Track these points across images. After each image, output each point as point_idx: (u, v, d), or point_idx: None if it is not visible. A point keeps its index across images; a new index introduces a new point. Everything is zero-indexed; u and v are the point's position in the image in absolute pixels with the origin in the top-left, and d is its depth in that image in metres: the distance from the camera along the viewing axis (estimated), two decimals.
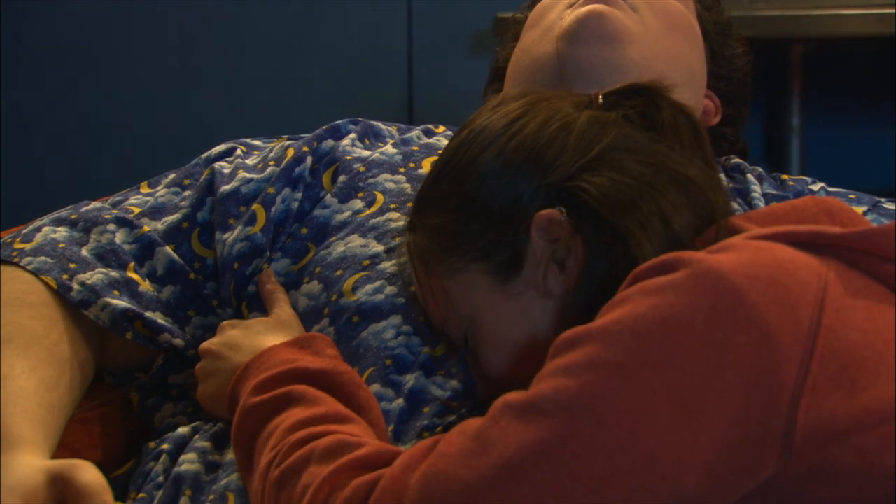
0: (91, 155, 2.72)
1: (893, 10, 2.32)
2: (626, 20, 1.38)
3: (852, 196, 1.47)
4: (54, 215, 1.39)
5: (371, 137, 1.46)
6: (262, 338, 1.23)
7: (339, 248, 1.31)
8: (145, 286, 1.34)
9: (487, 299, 1.17)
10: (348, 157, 1.40)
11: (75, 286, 1.30)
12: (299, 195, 1.37)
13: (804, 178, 1.52)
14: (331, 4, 2.68)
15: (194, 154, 1.46)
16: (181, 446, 1.26)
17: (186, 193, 1.40)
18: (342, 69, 2.66)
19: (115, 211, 1.39)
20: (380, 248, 1.30)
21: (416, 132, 1.48)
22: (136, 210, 1.39)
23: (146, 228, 1.36)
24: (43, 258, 1.31)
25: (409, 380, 1.21)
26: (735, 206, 1.38)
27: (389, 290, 1.26)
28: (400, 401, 1.20)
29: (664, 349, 0.98)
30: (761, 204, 1.42)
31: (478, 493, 0.98)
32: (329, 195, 1.37)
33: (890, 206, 1.46)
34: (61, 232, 1.36)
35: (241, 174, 1.39)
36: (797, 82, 2.62)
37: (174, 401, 1.37)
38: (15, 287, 1.29)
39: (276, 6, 2.69)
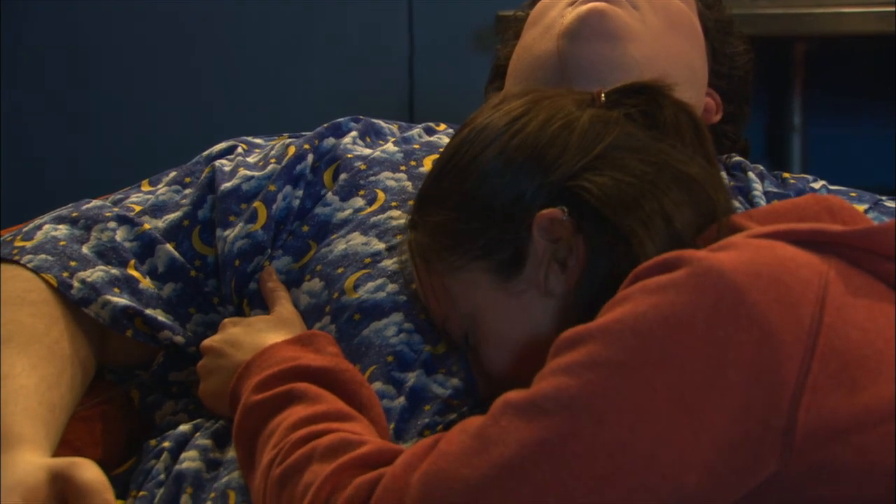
0: (91, 155, 2.72)
1: (895, 9, 2.32)
2: (627, 18, 1.38)
3: (853, 194, 1.47)
4: (55, 213, 1.39)
5: (372, 135, 1.46)
6: (263, 335, 1.23)
7: (340, 246, 1.31)
8: (146, 284, 1.34)
9: (489, 298, 1.17)
10: (349, 156, 1.40)
11: (76, 284, 1.30)
12: (300, 193, 1.37)
13: (805, 176, 1.51)
14: (331, 3, 2.68)
15: (195, 153, 1.46)
16: (182, 444, 1.26)
17: (187, 191, 1.40)
18: (343, 67, 2.66)
19: (115, 209, 1.39)
20: (381, 245, 1.30)
21: (417, 130, 1.48)
22: (137, 208, 1.39)
23: (147, 226, 1.36)
24: (43, 256, 1.31)
25: (411, 378, 1.21)
26: (736, 204, 1.38)
27: (391, 287, 1.26)
28: (401, 399, 1.20)
29: (665, 348, 0.98)
30: (763, 202, 1.42)
31: (479, 491, 0.98)
32: (330, 193, 1.37)
33: (891, 204, 1.46)
34: (62, 230, 1.35)
35: (242, 172, 1.38)
36: (798, 80, 2.62)
37: (175, 398, 1.37)
38: (15, 285, 1.29)
39: (276, 5, 2.69)
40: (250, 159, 1.42)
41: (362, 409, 1.14)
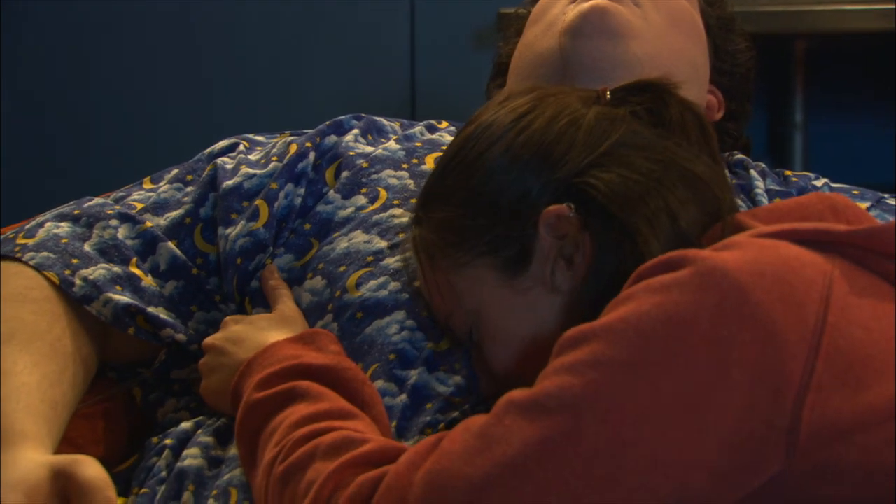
0: (92, 154, 2.72)
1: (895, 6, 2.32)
2: (629, 15, 1.38)
3: (856, 192, 1.47)
4: (57, 211, 1.39)
5: (374, 133, 1.46)
6: (265, 333, 1.23)
7: (342, 244, 1.31)
8: (147, 281, 1.33)
9: (494, 294, 1.17)
10: (351, 153, 1.39)
11: (77, 282, 1.30)
12: (302, 191, 1.37)
13: (807, 173, 1.51)
14: (333, 1, 2.68)
15: (197, 151, 1.46)
16: (184, 441, 1.26)
17: (189, 189, 1.40)
18: (345, 65, 2.66)
19: (117, 206, 1.39)
20: (383, 244, 1.30)
21: (418, 128, 1.48)
22: (139, 206, 1.39)
23: (149, 224, 1.36)
24: (45, 254, 1.31)
25: (413, 375, 1.21)
26: (738, 202, 1.38)
27: (393, 286, 1.26)
28: (403, 396, 1.20)
29: (668, 347, 0.98)
30: (764, 200, 1.42)
31: (481, 490, 0.98)
32: (332, 191, 1.37)
33: (893, 201, 1.46)
34: (64, 227, 1.35)
35: (244, 169, 1.38)
36: (800, 78, 2.62)
37: (177, 396, 1.37)
38: (17, 282, 1.29)
39: (278, 3, 2.68)
40: (252, 157, 1.42)
41: (364, 408, 1.14)
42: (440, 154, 1.38)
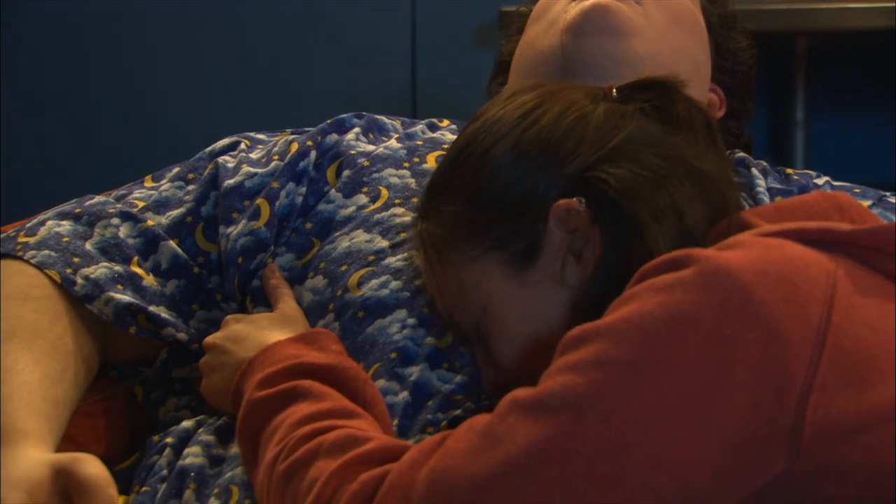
0: (92, 153, 2.72)
1: None
2: (631, 13, 1.38)
3: (857, 190, 1.47)
4: (58, 209, 1.39)
5: (375, 132, 1.46)
6: (266, 333, 1.23)
7: (343, 244, 1.31)
8: (149, 280, 1.33)
9: (502, 288, 1.16)
10: (352, 152, 1.39)
11: (79, 280, 1.30)
12: (303, 190, 1.37)
13: (809, 172, 1.51)
14: (334, 0, 2.68)
15: (198, 150, 1.46)
16: (185, 440, 1.26)
17: (190, 188, 1.40)
18: (346, 63, 2.66)
19: (119, 205, 1.39)
20: (385, 243, 1.30)
21: (420, 126, 1.48)
22: (140, 204, 1.39)
23: (150, 223, 1.36)
24: (47, 252, 1.31)
25: (414, 372, 1.21)
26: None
27: (394, 285, 1.26)
28: (405, 394, 1.20)
29: (672, 347, 0.98)
30: (766, 198, 1.42)
31: (484, 489, 0.97)
32: (333, 190, 1.37)
33: (894, 199, 1.46)
34: (65, 226, 1.35)
35: (245, 168, 1.38)
36: (801, 76, 2.62)
37: (178, 395, 1.37)
38: (19, 281, 1.29)
39: (279, 2, 2.68)
40: (253, 155, 1.42)
41: (366, 407, 1.14)
42: (442, 153, 1.38)
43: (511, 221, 1.15)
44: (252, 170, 1.38)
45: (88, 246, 1.34)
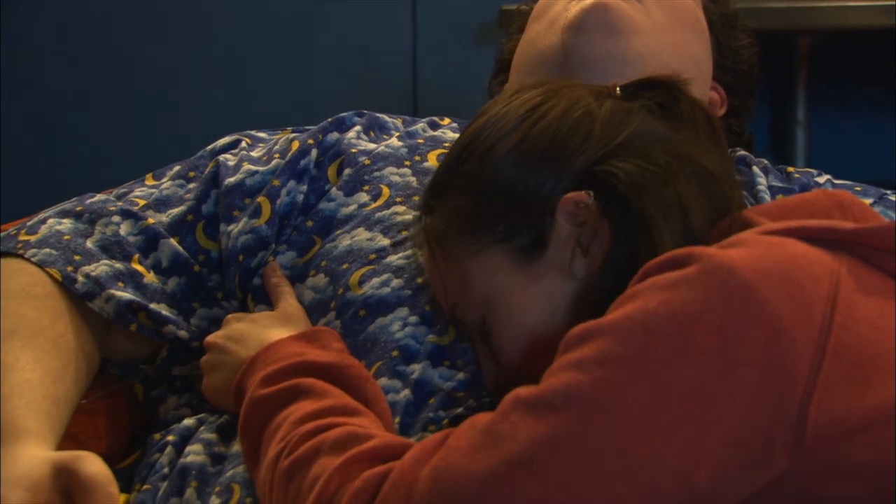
0: (93, 153, 2.72)
1: None
2: (632, 11, 1.38)
3: (858, 188, 1.46)
4: (59, 207, 1.39)
5: (376, 130, 1.46)
6: (268, 331, 1.23)
7: (344, 242, 1.31)
8: (150, 278, 1.34)
9: (508, 281, 1.16)
10: (353, 150, 1.39)
11: (80, 278, 1.30)
12: (304, 188, 1.37)
13: (810, 170, 1.51)
14: None
15: (199, 149, 1.46)
16: (186, 438, 1.26)
17: (191, 186, 1.40)
18: (347, 62, 2.66)
19: (119, 203, 1.39)
20: (386, 241, 1.30)
21: (421, 125, 1.48)
22: (141, 202, 1.39)
23: (151, 221, 1.36)
24: (48, 250, 1.31)
25: (416, 370, 1.21)
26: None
27: (396, 283, 1.26)
28: (407, 392, 1.20)
29: (675, 345, 0.98)
30: (767, 197, 1.42)
31: (487, 487, 0.97)
32: (334, 188, 1.37)
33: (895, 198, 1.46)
34: (66, 224, 1.35)
35: (246, 166, 1.38)
36: (803, 74, 2.62)
37: (178, 393, 1.37)
38: (20, 279, 1.29)
39: (280, 0, 2.68)
40: (254, 154, 1.42)
41: (368, 405, 1.14)
42: (443, 151, 1.38)
43: (517, 215, 1.15)
44: (253, 168, 1.38)
45: (89, 244, 1.34)
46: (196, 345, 1.33)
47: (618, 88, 1.20)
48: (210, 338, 1.27)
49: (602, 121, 1.16)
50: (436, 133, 1.46)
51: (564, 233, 1.15)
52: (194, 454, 1.22)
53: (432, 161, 1.39)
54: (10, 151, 2.70)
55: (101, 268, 1.31)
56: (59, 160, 2.73)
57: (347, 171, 1.38)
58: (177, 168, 1.44)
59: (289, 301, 1.29)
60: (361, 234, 1.31)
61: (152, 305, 1.32)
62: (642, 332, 0.98)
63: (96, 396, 1.34)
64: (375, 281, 1.26)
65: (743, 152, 1.52)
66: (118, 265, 1.32)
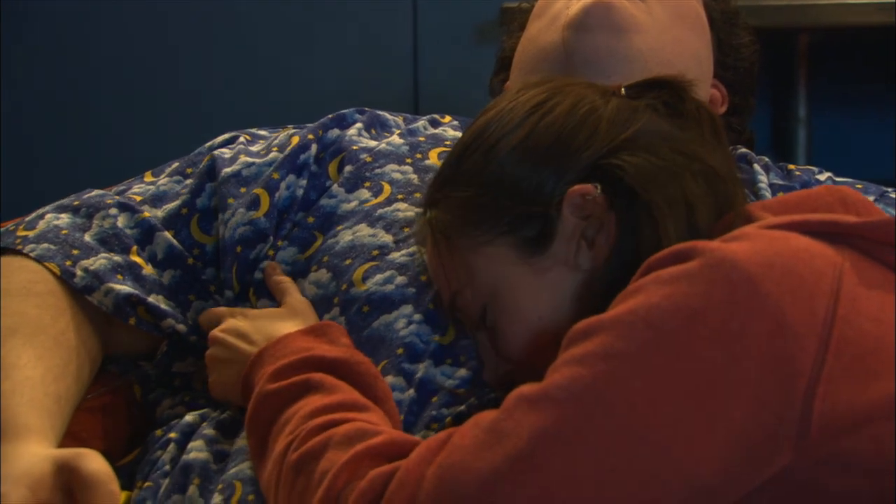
0: (93, 152, 2.72)
1: None
2: (633, 9, 1.38)
3: (859, 186, 1.46)
4: (57, 203, 1.39)
5: (377, 127, 1.46)
6: (275, 325, 1.23)
7: (346, 237, 1.31)
8: (148, 270, 1.33)
9: (512, 273, 1.16)
10: (354, 147, 1.39)
11: (78, 272, 1.30)
12: (304, 182, 1.37)
13: (811, 168, 1.51)
14: None
15: (198, 147, 1.46)
16: (188, 434, 1.25)
17: (188, 182, 1.40)
18: (347, 59, 2.66)
19: (116, 197, 1.39)
20: (388, 238, 1.30)
21: (421, 122, 1.48)
22: (139, 198, 1.39)
23: (146, 214, 1.36)
24: (46, 245, 1.31)
25: (420, 369, 1.21)
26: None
27: (399, 280, 1.26)
28: (411, 391, 1.20)
29: (678, 339, 0.98)
30: (768, 194, 1.42)
31: (491, 484, 0.97)
32: (336, 185, 1.37)
33: None
34: (64, 219, 1.35)
35: (243, 158, 1.39)
36: (803, 72, 2.62)
37: (176, 392, 1.36)
38: (21, 276, 1.29)
39: None
40: (253, 148, 1.42)
41: (377, 402, 1.14)
42: (444, 149, 1.38)
43: (524, 206, 1.16)
44: (250, 160, 1.38)
45: (87, 237, 1.34)
46: (194, 339, 1.33)
47: (623, 88, 1.21)
48: (215, 332, 1.27)
49: (608, 117, 1.16)
50: (437, 131, 1.46)
51: (570, 226, 1.15)
52: (196, 451, 1.22)
53: (433, 159, 1.39)
54: (11, 151, 2.70)
55: (99, 261, 1.31)
56: (59, 160, 2.73)
57: (348, 167, 1.38)
58: (175, 165, 1.44)
59: (294, 296, 1.29)
60: (363, 230, 1.31)
61: (151, 298, 1.32)
62: (646, 326, 0.98)
63: (97, 393, 1.34)
64: (379, 277, 1.27)
65: (744, 150, 1.52)
66: (116, 258, 1.32)
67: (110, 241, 1.34)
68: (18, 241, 1.32)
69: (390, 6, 2.65)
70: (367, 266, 1.27)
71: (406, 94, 2.64)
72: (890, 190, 1.47)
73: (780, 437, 0.97)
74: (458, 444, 1.00)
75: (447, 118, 1.50)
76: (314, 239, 1.33)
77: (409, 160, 1.38)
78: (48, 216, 1.36)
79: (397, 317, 1.24)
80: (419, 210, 1.30)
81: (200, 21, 2.70)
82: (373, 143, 1.41)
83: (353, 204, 1.34)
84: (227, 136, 1.46)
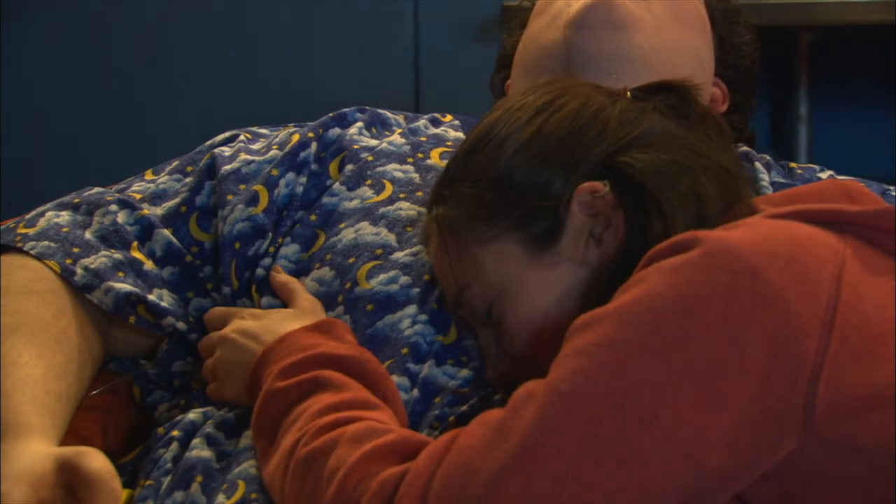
0: (92, 152, 2.72)
1: None
2: (634, 7, 1.38)
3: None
4: (57, 201, 1.39)
5: (378, 126, 1.46)
6: (286, 326, 1.22)
7: (349, 235, 1.31)
8: (149, 265, 1.33)
9: (520, 268, 1.16)
10: (356, 147, 1.39)
11: (79, 270, 1.30)
12: (304, 180, 1.37)
13: (812, 166, 1.51)
14: None
15: (199, 145, 1.46)
16: (191, 433, 1.25)
17: (188, 180, 1.40)
18: (348, 58, 2.66)
19: (117, 194, 1.39)
20: (391, 237, 1.30)
21: (422, 121, 1.48)
22: (139, 196, 1.39)
23: (146, 211, 1.36)
24: (46, 243, 1.31)
25: (424, 369, 1.21)
26: None
27: (404, 280, 1.26)
28: (415, 391, 1.20)
29: (683, 327, 0.98)
30: (769, 192, 1.42)
31: (499, 481, 0.97)
32: (337, 184, 1.37)
33: None
34: (64, 216, 1.35)
35: (243, 156, 1.39)
36: (804, 70, 2.62)
37: (175, 393, 1.36)
38: (22, 275, 1.29)
39: None
40: (253, 147, 1.42)
41: (387, 402, 1.14)
42: (445, 149, 1.39)
43: (533, 202, 1.16)
44: (250, 157, 1.38)
45: (88, 234, 1.34)
46: (194, 337, 1.33)
47: (628, 92, 1.21)
48: (224, 331, 1.27)
49: (618, 116, 1.17)
50: (438, 131, 1.46)
51: (579, 223, 1.15)
52: (199, 449, 1.22)
53: (435, 159, 1.39)
54: (11, 151, 2.70)
55: (99, 259, 1.31)
56: (60, 159, 2.73)
57: (350, 167, 1.38)
58: (175, 163, 1.44)
59: (303, 296, 1.28)
60: (366, 229, 1.31)
61: (154, 292, 1.32)
62: (649, 315, 0.99)
63: (99, 391, 1.34)
64: (383, 277, 1.27)
65: (745, 148, 1.52)
66: (117, 255, 1.32)
67: (111, 237, 1.34)
68: (19, 238, 1.32)
69: (391, 4, 2.65)
70: (370, 265, 1.28)
71: (407, 93, 2.64)
72: (891, 188, 1.47)
73: (786, 422, 0.97)
74: (465, 444, 1.00)
75: (448, 117, 1.50)
76: (316, 237, 1.33)
77: (410, 159, 1.38)
78: (49, 214, 1.36)
79: (402, 317, 1.24)
80: (422, 209, 1.30)
81: (201, 20, 2.70)
82: (374, 142, 1.41)
83: (355, 202, 1.34)
84: (227, 134, 1.46)
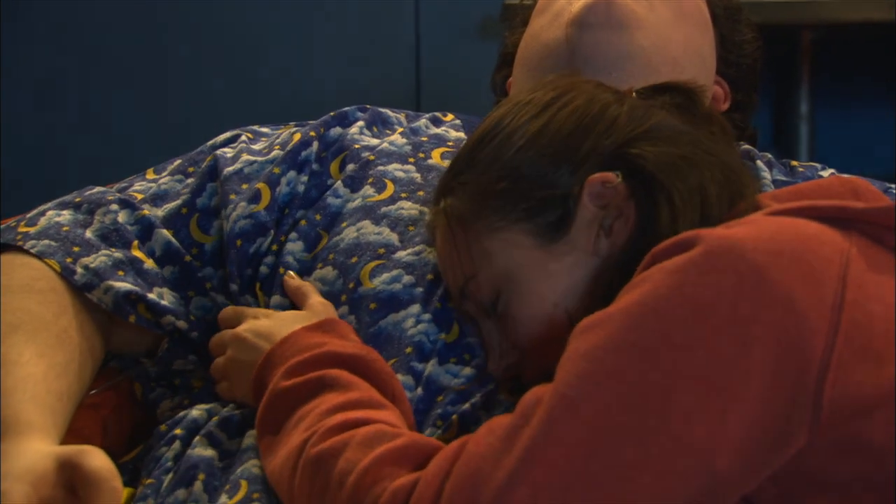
0: (92, 152, 2.72)
1: None
2: (635, 5, 1.38)
3: None
4: (58, 200, 1.39)
5: (379, 125, 1.46)
6: (298, 325, 1.22)
7: (351, 235, 1.31)
8: (150, 264, 1.33)
9: (529, 258, 1.16)
10: (357, 146, 1.39)
11: (79, 270, 1.30)
12: (305, 178, 1.37)
13: (814, 164, 1.51)
14: None
15: (200, 146, 1.46)
16: (194, 431, 1.25)
17: (189, 181, 1.40)
18: (349, 56, 2.66)
19: (118, 193, 1.39)
20: (394, 236, 1.30)
21: (423, 121, 1.48)
22: (140, 196, 1.39)
23: (146, 212, 1.36)
24: (47, 241, 1.31)
25: (427, 368, 1.21)
26: None
27: (407, 279, 1.26)
28: (419, 389, 1.20)
29: (689, 329, 0.98)
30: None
31: (509, 489, 0.97)
32: (340, 184, 1.37)
33: None
34: (65, 215, 1.35)
35: (245, 157, 1.39)
36: (806, 68, 2.62)
37: (176, 392, 1.36)
38: (23, 273, 1.28)
39: None
40: (255, 147, 1.42)
41: (395, 401, 1.14)
42: (446, 149, 1.39)
43: (543, 193, 1.16)
44: (252, 158, 1.38)
45: (89, 234, 1.34)
46: (195, 335, 1.33)
47: (634, 92, 1.22)
48: (238, 330, 1.26)
49: (627, 111, 1.17)
50: (439, 130, 1.46)
51: (590, 213, 1.15)
52: (202, 447, 1.22)
53: (436, 158, 1.39)
54: (11, 151, 2.70)
55: (100, 258, 1.31)
56: (60, 159, 2.73)
57: (351, 166, 1.38)
58: (177, 163, 1.44)
59: (316, 298, 1.28)
60: (368, 228, 1.31)
61: (154, 290, 1.31)
62: (655, 317, 0.98)
63: (99, 390, 1.34)
64: (386, 276, 1.27)
65: (747, 146, 1.51)
66: (118, 254, 1.32)
67: (111, 236, 1.34)
68: (20, 237, 1.32)
69: (393, 3, 2.65)
70: (373, 264, 1.28)
71: (408, 91, 2.64)
72: (892, 186, 1.47)
73: (793, 422, 0.97)
74: (473, 453, 1.00)
75: (449, 117, 1.50)
76: (320, 238, 1.33)
77: (411, 159, 1.38)
78: (49, 213, 1.36)
79: (405, 316, 1.24)
80: (423, 209, 1.30)
81: (202, 18, 2.70)
82: (375, 142, 1.41)
83: (357, 202, 1.34)
84: (229, 134, 1.46)
